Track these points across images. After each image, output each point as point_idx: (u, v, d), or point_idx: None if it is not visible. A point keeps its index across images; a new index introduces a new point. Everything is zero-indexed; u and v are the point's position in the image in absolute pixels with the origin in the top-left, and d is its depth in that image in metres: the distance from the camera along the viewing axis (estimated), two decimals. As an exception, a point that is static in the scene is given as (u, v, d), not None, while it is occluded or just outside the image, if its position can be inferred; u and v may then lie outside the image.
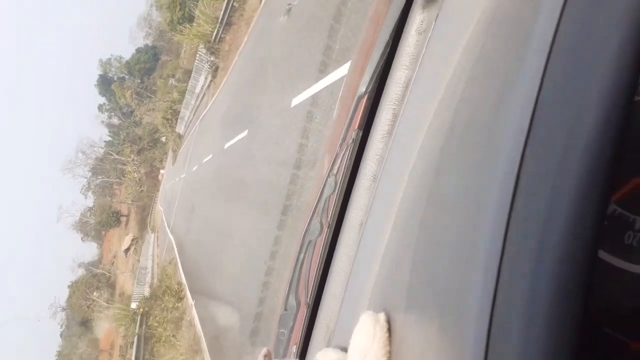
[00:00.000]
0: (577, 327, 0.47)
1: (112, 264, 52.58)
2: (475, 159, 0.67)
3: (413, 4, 1.03)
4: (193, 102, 25.13)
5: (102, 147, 56.74)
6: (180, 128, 31.09)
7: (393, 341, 0.74)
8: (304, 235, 1.16)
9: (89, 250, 60.20)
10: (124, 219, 55.09)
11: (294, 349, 1.14)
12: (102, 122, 58.92)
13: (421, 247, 0.76)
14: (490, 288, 0.50)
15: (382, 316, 0.77)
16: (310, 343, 1.11)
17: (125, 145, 51.80)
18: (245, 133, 9.77)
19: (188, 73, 27.74)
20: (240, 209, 8.78)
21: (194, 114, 25.80)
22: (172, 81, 37.07)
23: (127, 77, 54.12)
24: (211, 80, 18.90)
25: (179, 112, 29.87)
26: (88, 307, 44.72)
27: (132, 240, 47.91)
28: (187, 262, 13.99)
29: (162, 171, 44.68)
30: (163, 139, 43.95)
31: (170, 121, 32.21)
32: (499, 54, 0.72)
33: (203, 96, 22.03)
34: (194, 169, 19.63)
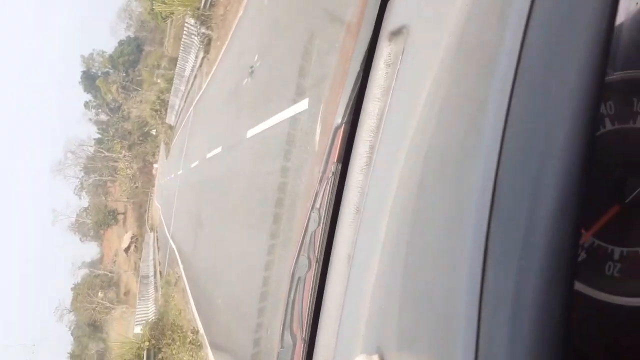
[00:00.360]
0: (563, 331, 0.50)
1: (114, 262, 52.30)
2: (448, 201, 0.71)
3: (379, 38, 1.06)
4: (183, 88, 23.49)
5: (91, 146, 56.29)
6: (170, 118, 29.67)
7: None
8: (293, 272, 1.19)
9: (90, 251, 60.42)
10: (121, 217, 54.57)
11: None
12: (90, 119, 58.61)
13: (407, 285, 0.79)
14: (472, 338, 0.54)
15: (375, 358, 0.79)
16: None
17: (115, 141, 51.34)
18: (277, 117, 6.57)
19: (174, 61, 26.63)
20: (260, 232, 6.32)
21: (184, 101, 24.17)
22: (157, 72, 36.56)
23: (111, 71, 53.65)
24: (203, 57, 17.04)
25: (168, 101, 28.43)
26: (94, 309, 44.85)
27: (132, 238, 47.36)
28: (198, 290, 10.82)
29: (155, 165, 44.15)
30: (153, 132, 43.65)
31: (159, 112, 31.25)
32: (463, 91, 0.75)
33: (194, 78, 20.05)
34: (193, 165, 16.50)
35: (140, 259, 35.42)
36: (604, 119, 0.82)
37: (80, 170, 56.37)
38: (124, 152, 49.62)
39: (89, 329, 47.55)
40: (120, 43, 53.16)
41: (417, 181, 0.82)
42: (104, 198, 55.94)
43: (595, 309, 0.81)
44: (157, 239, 28.46)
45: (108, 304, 44.62)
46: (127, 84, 50.96)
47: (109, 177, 54.39)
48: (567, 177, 0.52)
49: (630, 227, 0.81)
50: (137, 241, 46.17)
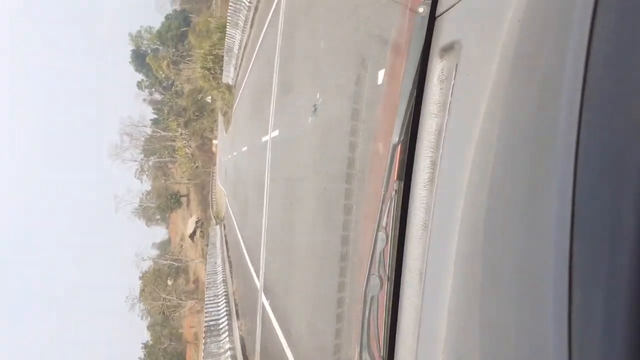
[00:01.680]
0: None
1: (181, 247, 53.65)
2: (521, 220, 0.78)
3: (430, 55, 1.15)
4: (239, 37, 19.69)
5: (147, 126, 57.25)
6: (228, 76, 25.33)
7: None
8: (366, 292, 1.30)
9: (157, 235, 61.82)
10: (184, 200, 56.23)
11: None
12: (144, 100, 59.81)
13: (487, 307, 0.87)
14: (564, 342, 0.60)
15: None
16: None
17: (170, 119, 51.65)
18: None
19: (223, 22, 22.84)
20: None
21: (243, 51, 19.80)
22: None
23: (160, 47, 54.47)
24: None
25: (222, 56, 24.60)
26: (162, 304, 45.75)
27: (197, 222, 47.92)
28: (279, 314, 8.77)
29: (215, 142, 44.18)
30: (208, 99, 42.46)
31: (212, 71, 27.43)
32: (527, 108, 0.81)
33: (252, 22, 16.68)
34: (263, 139, 12.32)
35: (207, 245, 34.31)
36: None
37: (140, 152, 57.74)
38: (180, 129, 50.21)
39: (161, 317, 48.52)
40: (167, 17, 53.91)
41: (486, 198, 0.90)
42: (164, 181, 57.34)
43: None
44: (224, 236, 25.51)
45: (175, 300, 45.24)
46: (177, 59, 51.23)
47: (169, 158, 55.57)
48: None
49: None
50: (202, 226, 46.71)
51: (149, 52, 56.14)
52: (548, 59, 0.74)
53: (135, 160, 57.64)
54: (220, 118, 36.54)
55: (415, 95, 1.20)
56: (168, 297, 45.93)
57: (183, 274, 50.63)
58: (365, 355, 1.32)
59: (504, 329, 0.79)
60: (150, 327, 51.72)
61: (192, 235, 49.40)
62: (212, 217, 38.57)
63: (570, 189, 0.62)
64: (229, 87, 26.87)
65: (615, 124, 0.58)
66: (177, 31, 51.94)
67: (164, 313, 47.25)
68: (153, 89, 58.73)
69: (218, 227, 31.15)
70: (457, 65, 1.08)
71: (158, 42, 54.54)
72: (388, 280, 1.26)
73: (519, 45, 0.83)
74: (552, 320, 0.62)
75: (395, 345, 1.23)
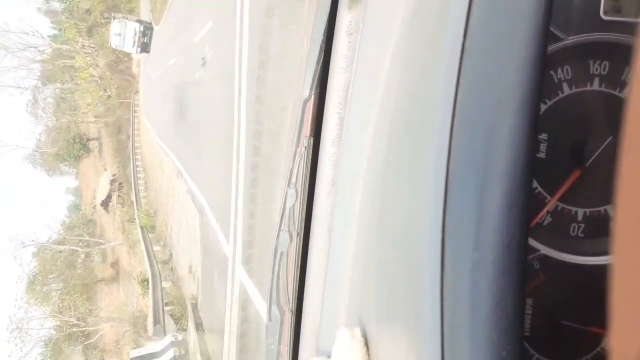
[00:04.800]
0: (517, 320, 0.72)
1: (94, 208, 46.05)
2: (407, 182, 1.01)
3: (339, 6, 1.37)
4: None
5: (43, 45, 48.14)
6: None
7: (371, 354, 1.09)
8: (275, 248, 1.56)
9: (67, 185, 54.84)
10: (94, 145, 48.45)
11: (285, 355, 1.60)
12: (39, 9, 53.26)
13: (380, 258, 1.10)
14: (437, 304, 0.78)
15: (357, 331, 1.12)
16: (299, 349, 1.54)
17: (67, 24, 43.98)
18: None
19: None
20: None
21: None
22: None
23: None
24: None
25: None
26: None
27: (112, 181, 39.78)
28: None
29: (135, 56, 36.33)
30: None
31: None
32: (419, 61, 1.03)
33: None
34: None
35: (130, 220, 30.05)
36: (562, 84, 1.12)
37: (37, 79, 50.51)
38: (80, 39, 42.93)
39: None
40: None
41: (383, 156, 1.12)
42: (69, 117, 47.63)
43: (560, 269, 1.15)
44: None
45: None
46: None
47: (73, 84, 46.99)
48: (514, 165, 0.73)
49: (592, 188, 1.14)
50: (120, 188, 39.21)
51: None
52: (435, 20, 0.93)
53: (24, 89, 49.13)
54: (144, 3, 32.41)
55: (324, 48, 1.41)
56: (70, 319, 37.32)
57: (100, 257, 42.31)
58: (275, 309, 1.58)
59: (391, 283, 1.00)
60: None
61: (105, 203, 40.98)
62: (135, 170, 32.28)
63: (445, 154, 0.79)
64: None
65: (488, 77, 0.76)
66: None
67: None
68: (51, -4, 50.75)
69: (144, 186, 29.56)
70: (363, 19, 1.28)
71: None
72: (297, 235, 1.51)
73: (417, 3, 1.03)
74: (427, 276, 0.80)
75: (304, 299, 1.48)
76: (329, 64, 1.44)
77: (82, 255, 43.85)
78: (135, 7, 37.32)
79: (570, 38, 1.10)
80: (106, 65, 41.14)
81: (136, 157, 33.91)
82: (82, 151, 49.32)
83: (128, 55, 37.55)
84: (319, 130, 1.48)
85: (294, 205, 1.56)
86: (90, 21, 42.89)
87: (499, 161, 0.73)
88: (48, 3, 53.96)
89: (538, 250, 1.16)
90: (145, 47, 30.60)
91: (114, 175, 40.50)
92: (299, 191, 1.53)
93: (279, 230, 1.59)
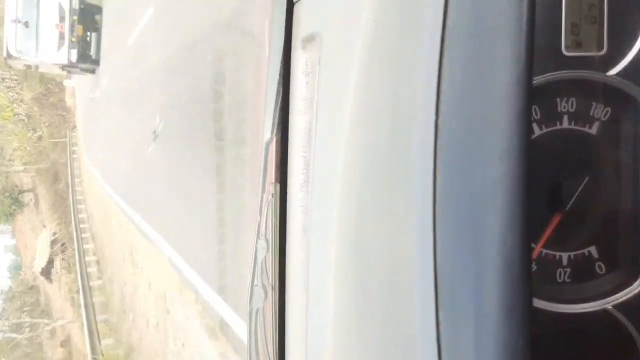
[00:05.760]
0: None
1: (33, 274, 38.97)
2: (391, 206, 0.99)
3: (293, 47, 1.39)
4: None
5: None
6: None
7: None
8: (250, 305, 1.55)
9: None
10: (28, 198, 42.66)
11: None
12: None
13: (364, 324, 1.10)
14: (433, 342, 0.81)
15: None
16: None
17: None
18: None
19: None
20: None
21: None
22: None
23: None
24: None
25: None
26: None
27: (53, 242, 33.55)
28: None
29: (67, 82, 31.77)
30: None
31: None
32: (383, 97, 1.04)
33: None
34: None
35: (79, 287, 22.67)
36: (531, 125, 1.15)
37: None
38: None
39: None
40: None
41: (355, 198, 1.13)
42: None
43: (551, 321, 1.17)
44: None
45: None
46: None
47: None
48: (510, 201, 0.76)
49: (574, 231, 1.17)
50: (64, 250, 32.86)
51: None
52: (402, 56, 0.96)
53: None
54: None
55: (282, 90, 1.43)
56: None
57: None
58: None
59: (379, 340, 1.01)
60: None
61: (47, 270, 34.81)
62: (78, 229, 25.76)
63: (431, 188, 0.81)
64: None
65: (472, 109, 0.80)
66: None
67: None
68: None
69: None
70: (319, 59, 1.30)
71: None
72: (272, 289, 1.51)
73: (375, 41, 1.05)
74: (420, 328, 0.83)
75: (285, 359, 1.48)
76: (288, 106, 1.46)
77: (27, 330, 37.05)
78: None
79: (536, 78, 1.14)
80: (33, 99, 36.10)
81: (79, 211, 27.37)
82: (13, 207, 44.60)
83: (59, 84, 32.31)
84: (284, 175, 1.49)
85: (265, 257, 1.56)
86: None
87: (492, 269, 0.76)
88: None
89: None
90: (86, 59, 18.32)
91: (54, 234, 34.24)
92: (270, 241, 1.54)
93: (252, 285, 1.59)
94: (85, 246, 24.43)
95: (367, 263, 1.08)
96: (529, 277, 0.76)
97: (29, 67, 19.76)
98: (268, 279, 1.57)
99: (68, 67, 18.85)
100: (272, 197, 1.53)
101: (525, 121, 0.78)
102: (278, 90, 1.46)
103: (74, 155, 30.77)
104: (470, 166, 0.80)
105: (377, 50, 1.06)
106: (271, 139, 1.51)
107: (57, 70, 21.11)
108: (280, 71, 1.45)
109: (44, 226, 36.89)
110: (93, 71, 18.94)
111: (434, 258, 0.82)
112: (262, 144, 1.54)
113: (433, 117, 0.84)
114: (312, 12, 1.35)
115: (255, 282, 1.59)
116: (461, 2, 0.84)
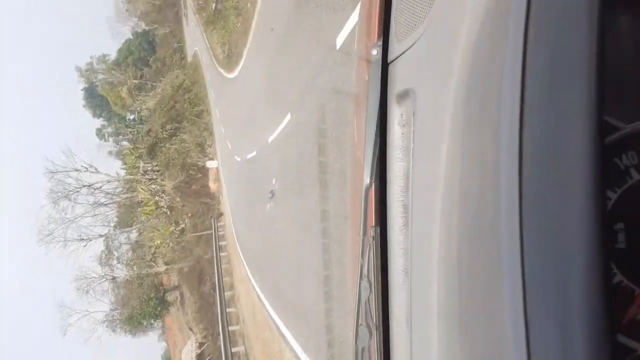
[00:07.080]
0: None
1: None
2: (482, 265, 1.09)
3: (389, 102, 1.54)
4: None
5: (114, 192, 42.63)
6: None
7: None
8: (356, 344, 1.64)
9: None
10: (174, 297, 42.04)
11: None
12: (110, 152, 50.96)
13: (469, 350, 1.17)
14: None
15: None
16: None
17: (126, 151, 40.96)
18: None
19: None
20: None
21: None
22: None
23: (121, 77, 48.87)
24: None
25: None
26: None
27: (199, 355, 30.64)
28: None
29: (210, 163, 30.51)
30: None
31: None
32: (476, 157, 1.15)
33: None
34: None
35: None
36: (629, 170, 1.18)
37: (106, 225, 43.49)
38: (141, 164, 37.53)
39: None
40: (126, 41, 52.53)
41: (455, 242, 1.21)
42: (133, 270, 40.23)
43: None
44: None
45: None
46: (142, 83, 46.29)
47: (139, 223, 40.83)
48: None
49: None
50: None
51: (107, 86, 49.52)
52: (489, 115, 1.06)
53: (83, 239, 41.31)
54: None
55: (379, 141, 1.56)
56: None
57: None
58: None
59: None
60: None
61: None
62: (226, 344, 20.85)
63: (517, 225, 0.92)
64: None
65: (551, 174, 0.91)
66: (140, 53, 50.35)
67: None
68: (120, 136, 52.14)
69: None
70: (414, 112, 1.42)
71: (118, 72, 49.44)
72: (376, 329, 1.58)
73: (467, 99, 1.15)
74: None
75: None
76: (384, 155, 1.60)
77: None
78: (203, 111, 32.75)
79: (629, 126, 1.17)
80: (174, 188, 34.67)
81: (228, 324, 22.07)
82: (159, 308, 43.38)
83: (202, 169, 31.42)
84: (384, 219, 1.60)
85: (369, 297, 1.66)
86: (150, 139, 38.14)
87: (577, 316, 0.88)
88: (118, 145, 52.81)
89: (635, 351, 1.13)
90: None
91: (200, 344, 31.64)
92: (372, 283, 1.64)
93: (357, 325, 1.69)
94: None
95: (466, 302, 1.18)
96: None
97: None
98: (372, 319, 1.66)
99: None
100: (373, 239, 1.64)
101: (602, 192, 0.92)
102: (376, 141, 1.61)
103: (222, 254, 26.96)
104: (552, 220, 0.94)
105: (466, 109, 1.18)
106: (370, 184, 1.65)
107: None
108: (377, 123, 1.60)
109: (190, 329, 35.56)
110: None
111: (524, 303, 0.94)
112: (362, 191, 1.67)
113: (517, 178, 0.96)
114: (406, 71, 1.50)
115: (359, 322, 1.69)
116: (537, 76, 0.98)
